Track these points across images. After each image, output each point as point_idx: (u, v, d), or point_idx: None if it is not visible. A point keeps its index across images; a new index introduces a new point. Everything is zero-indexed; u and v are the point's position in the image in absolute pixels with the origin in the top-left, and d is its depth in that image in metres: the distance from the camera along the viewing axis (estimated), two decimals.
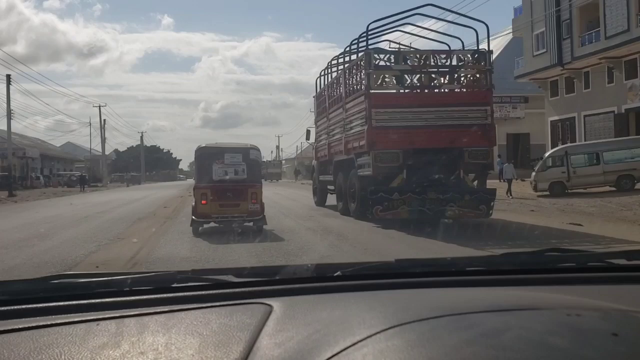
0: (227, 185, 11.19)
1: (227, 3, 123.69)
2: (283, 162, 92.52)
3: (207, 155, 11.52)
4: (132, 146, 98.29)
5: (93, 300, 1.39)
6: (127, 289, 1.45)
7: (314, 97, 20.36)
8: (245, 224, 11.33)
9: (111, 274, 1.62)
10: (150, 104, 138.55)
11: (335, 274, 1.57)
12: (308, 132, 21.40)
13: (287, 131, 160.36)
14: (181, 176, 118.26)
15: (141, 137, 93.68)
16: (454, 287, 1.54)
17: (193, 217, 11.25)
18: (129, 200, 25.63)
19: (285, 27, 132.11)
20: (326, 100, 17.27)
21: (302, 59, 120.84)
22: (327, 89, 17.44)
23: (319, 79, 19.39)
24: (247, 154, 11.55)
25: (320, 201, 18.89)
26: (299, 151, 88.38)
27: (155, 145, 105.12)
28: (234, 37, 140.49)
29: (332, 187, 17.26)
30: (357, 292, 1.45)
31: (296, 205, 20.06)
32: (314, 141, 19.85)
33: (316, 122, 19.71)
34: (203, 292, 1.44)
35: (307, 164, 65.06)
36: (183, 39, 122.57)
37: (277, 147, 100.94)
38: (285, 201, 22.72)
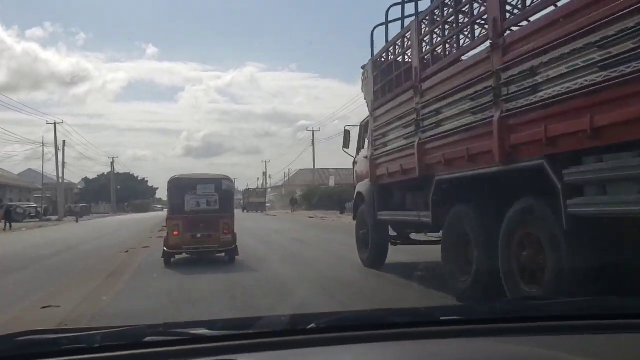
0: (200, 216, 11.20)
1: (211, 34, 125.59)
2: (269, 190, 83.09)
3: (179, 186, 11.55)
4: (103, 174, 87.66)
5: (61, 358, 1.35)
6: (97, 345, 1.41)
7: (363, 68, 10.34)
8: (217, 255, 11.36)
9: (80, 330, 1.60)
10: (132, 134, 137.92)
11: (309, 327, 1.54)
12: (347, 133, 11.68)
13: (269, 160, 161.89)
14: (158, 206, 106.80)
15: (112, 164, 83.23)
16: (431, 338, 1.53)
17: (165, 248, 11.22)
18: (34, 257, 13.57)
19: (269, 57, 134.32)
20: (416, 63, 7.77)
21: (284, 89, 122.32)
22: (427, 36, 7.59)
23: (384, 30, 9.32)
24: (220, 184, 11.62)
25: (375, 258, 9.94)
26: (286, 178, 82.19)
27: (129, 173, 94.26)
28: (217, 67, 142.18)
29: (414, 232, 9.88)
30: (330, 347, 1.44)
31: (334, 262, 11.48)
32: (362, 149, 10.99)
33: (374, 110, 9.68)
34: (175, 348, 1.42)
35: (306, 191, 58.29)
36: (166, 68, 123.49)
37: (264, 173, 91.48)
38: (301, 248, 14.62)
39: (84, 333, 1.51)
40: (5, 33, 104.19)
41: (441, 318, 1.68)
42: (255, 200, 63.06)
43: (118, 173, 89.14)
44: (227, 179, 12.11)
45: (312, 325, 1.54)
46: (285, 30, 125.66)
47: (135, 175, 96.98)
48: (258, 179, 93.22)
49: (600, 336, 1.52)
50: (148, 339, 1.46)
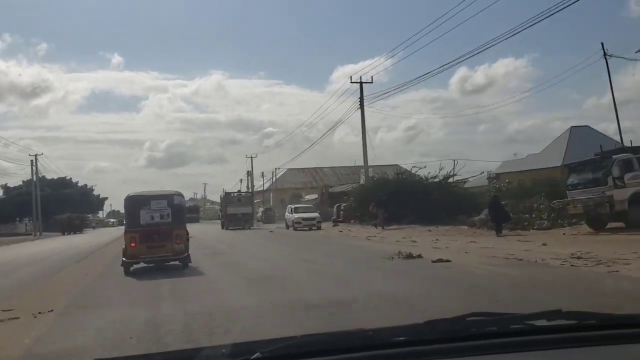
0: (154, 229, 12.56)
1: (173, 42, 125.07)
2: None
3: (135, 203, 12.89)
4: (42, 178, 65.40)
5: None
6: None
7: None
8: (171, 262, 12.74)
9: None
10: (91, 145, 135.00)
11: (253, 357, 1.47)
12: None
13: (234, 168, 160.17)
14: (112, 221, 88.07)
15: (32, 163, 57.06)
16: None
17: (123, 258, 12.52)
18: None
19: (233, 65, 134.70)
20: None
21: (249, 96, 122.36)
22: None
23: None
24: (172, 199, 13.00)
25: None
26: (272, 179, 68.17)
27: (65, 178, 73.36)
28: (180, 76, 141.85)
29: None
30: None
31: None
32: None
33: None
34: None
35: (359, 191, 37.16)
36: (128, 78, 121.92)
37: (248, 172, 69.94)
38: None
39: None
40: None
41: (389, 340, 1.65)
42: (241, 211, 41.87)
43: (50, 179, 68.28)
44: (179, 194, 13.52)
45: (257, 354, 1.47)
46: (248, 38, 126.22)
47: (75, 180, 76.21)
48: (241, 180, 74.97)
49: (550, 352, 1.51)
50: None
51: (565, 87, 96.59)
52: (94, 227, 71.56)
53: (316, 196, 52.66)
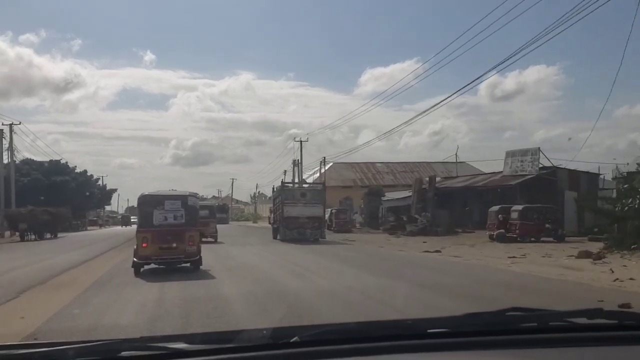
0: (166, 229, 12.36)
1: (201, 41, 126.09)
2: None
3: (149, 202, 12.70)
4: (29, 160, 52.05)
5: None
6: None
7: None
8: (183, 264, 12.52)
9: (52, 344, 1.50)
10: (117, 142, 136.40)
11: (292, 340, 1.50)
12: None
13: (260, 169, 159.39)
14: (119, 216, 76.15)
15: (2, 133, 40.72)
16: (416, 352, 1.51)
17: (134, 259, 12.32)
18: None
19: (259, 66, 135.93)
20: None
21: (275, 97, 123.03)
22: None
23: None
24: (186, 200, 12.81)
25: None
26: (320, 171, 51.79)
27: (59, 161, 56.40)
28: (206, 75, 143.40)
29: None
30: None
31: None
32: None
33: None
34: None
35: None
36: (156, 76, 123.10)
37: (294, 162, 55.74)
38: None
39: (55, 348, 1.45)
40: None
41: (428, 331, 1.65)
42: (302, 212, 26.39)
43: (40, 161, 53.83)
44: (193, 195, 13.35)
45: (296, 338, 1.51)
46: (277, 39, 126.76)
47: (72, 165, 58.94)
48: (285, 171, 62.44)
49: (588, 349, 1.50)
50: (124, 353, 1.42)
51: (594, 96, 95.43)
52: (100, 226, 62.88)
53: (408, 194, 37.62)
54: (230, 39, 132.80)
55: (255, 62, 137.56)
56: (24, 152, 53.25)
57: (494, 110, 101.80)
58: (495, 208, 24.89)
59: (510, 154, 32.62)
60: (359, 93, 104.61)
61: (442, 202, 33.44)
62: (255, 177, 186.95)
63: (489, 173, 37.07)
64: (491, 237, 24.04)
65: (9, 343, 1.53)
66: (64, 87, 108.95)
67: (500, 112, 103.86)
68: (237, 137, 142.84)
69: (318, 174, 52.03)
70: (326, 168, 52.43)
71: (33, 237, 33.31)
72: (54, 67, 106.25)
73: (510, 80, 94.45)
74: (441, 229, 29.49)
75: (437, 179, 37.66)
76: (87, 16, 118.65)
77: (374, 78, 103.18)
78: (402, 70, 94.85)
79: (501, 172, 33.51)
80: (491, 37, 77.76)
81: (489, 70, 51.80)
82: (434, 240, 25.17)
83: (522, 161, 31.71)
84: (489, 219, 25.14)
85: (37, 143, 70.06)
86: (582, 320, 1.72)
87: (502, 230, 22.93)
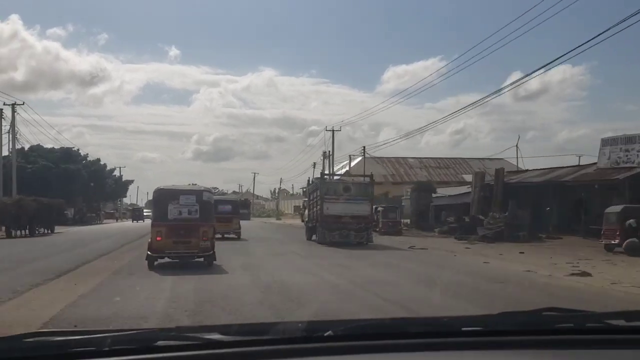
0: (181, 224, 12.37)
1: (224, 37, 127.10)
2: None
3: (164, 196, 12.73)
4: (37, 146, 48.68)
5: None
6: (107, 348, 1.37)
7: None
8: (196, 259, 12.53)
9: (89, 332, 1.54)
10: (140, 136, 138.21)
11: (326, 334, 1.51)
12: None
13: (280, 165, 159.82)
14: (139, 207, 67.97)
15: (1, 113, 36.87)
16: (451, 349, 1.51)
17: (148, 252, 12.36)
18: None
19: (284, 62, 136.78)
20: None
21: (295, 94, 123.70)
22: None
23: None
24: (201, 196, 12.82)
25: None
26: (348, 165, 48.79)
27: (63, 148, 52.37)
28: (228, 71, 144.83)
29: None
30: (348, 355, 1.43)
31: None
32: None
33: None
34: (187, 353, 1.39)
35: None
36: (179, 71, 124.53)
37: (325, 154, 51.46)
38: None
39: (93, 336, 1.47)
40: (26, 32, 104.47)
41: (462, 329, 1.64)
42: (346, 210, 21.59)
43: (49, 148, 50.29)
44: (208, 191, 13.38)
45: (330, 332, 1.51)
46: (300, 35, 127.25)
47: (81, 152, 55.32)
48: (314, 164, 57.73)
49: (626, 351, 1.48)
50: (160, 343, 1.43)
51: (620, 98, 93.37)
52: (117, 219, 59.97)
53: (466, 189, 33.39)
54: (254, 35, 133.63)
55: (278, 58, 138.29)
56: (41, 142, 48.96)
57: (516, 110, 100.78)
58: (617, 208, 19.24)
59: (609, 142, 25.82)
60: (381, 90, 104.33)
61: (508, 201, 26.96)
62: (275, 174, 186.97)
63: (574, 166, 31.11)
64: (608, 248, 18.54)
65: (47, 330, 1.57)
66: (89, 80, 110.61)
67: (523, 111, 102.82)
68: (258, 134, 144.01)
69: (347, 168, 48.08)
70: (353, 164, 48.99)
71: (21, 232, 28.21)
72: (80, 61, 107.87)
73: (534, 80, 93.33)
74: (523, 234, 23.85)
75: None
76: (113, 11, 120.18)
77: (396, 76, 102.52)
78: (426, 68, 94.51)
79: (593, 164, 27.39)
80: (520, 37, 76.66)
81: (531, 73, 48.73)
82: (526, 249, 19.36)
83: (626, 150, 25.10)
84: (605, 223, 19.17)
85: (62, 135, 69.89)
86: (620, 322, 1.70)
87: (635, 239, 17.57)
